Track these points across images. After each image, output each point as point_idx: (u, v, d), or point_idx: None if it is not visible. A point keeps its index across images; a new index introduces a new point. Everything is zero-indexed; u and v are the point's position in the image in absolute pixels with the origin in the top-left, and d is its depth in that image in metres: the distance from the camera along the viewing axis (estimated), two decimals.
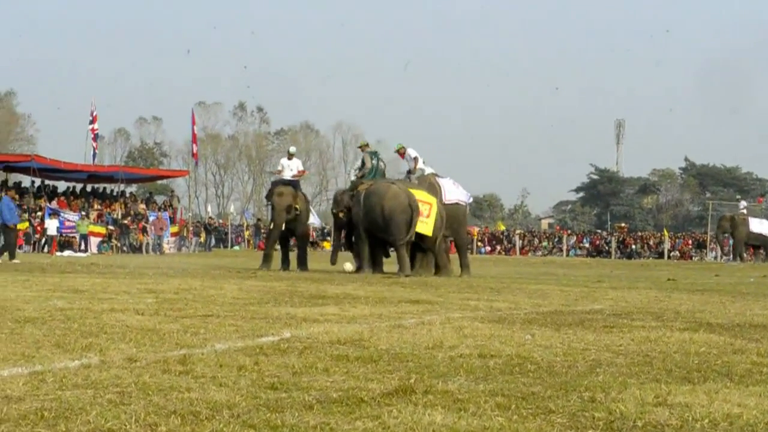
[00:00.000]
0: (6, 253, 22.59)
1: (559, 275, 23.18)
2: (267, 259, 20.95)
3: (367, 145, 21.85)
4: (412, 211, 18.57)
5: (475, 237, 64.77)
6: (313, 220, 23.72)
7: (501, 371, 5.31)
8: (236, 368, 5.10)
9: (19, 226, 37.35)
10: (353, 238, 20.01)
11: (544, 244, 64.78)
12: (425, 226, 18.91)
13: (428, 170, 20.55)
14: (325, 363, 5.39)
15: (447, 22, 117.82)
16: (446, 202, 19.60)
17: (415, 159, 20.29)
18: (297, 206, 20.89)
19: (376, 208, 18.86)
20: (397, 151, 20.90)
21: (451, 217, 19.64)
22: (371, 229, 19.14)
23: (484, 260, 38.25)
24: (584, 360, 5.89)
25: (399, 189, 19.06)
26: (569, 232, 70.80)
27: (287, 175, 21.60)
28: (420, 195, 18.98)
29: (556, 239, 65.33)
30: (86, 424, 3.63)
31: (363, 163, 20.69)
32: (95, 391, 4.30)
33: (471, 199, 21.04)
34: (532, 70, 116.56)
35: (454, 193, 20.15)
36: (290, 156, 22.21)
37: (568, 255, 59.20)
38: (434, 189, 19.63)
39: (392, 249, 19.67)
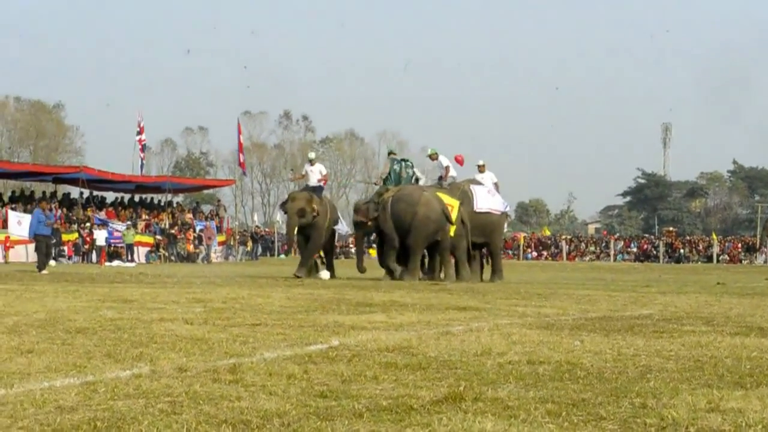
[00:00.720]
0: (50, 263, 22.78)
1: (607, 280, 23.04)
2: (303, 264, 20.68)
3: (393, 152, 22.23)
4: (446, 219, 19.04)
5: (522, 243, 64.58)
6: (340, 227, 23.66)
7: (551, 378, 5.29)
8: (285, 377, 5.11)
9: (67, 237, 37.95)
10: (383, 247, 19.98)
11: (591, 249, 64.47)
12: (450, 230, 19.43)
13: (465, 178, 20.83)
14: (374, 371, 5.39)
15: (486, 25, 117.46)
16: (477, 210, 19.92)
17: (447, 168, 20.48)
18: (314, 210, 20.41)
19: (406, 214, 19.02)
20: (429, 156, 21.12)
21: (483, 224, 20.03)
22: (399, 234, 19.32)
23: (530, 266, 38.13)
24: (634, 366, 5.85)
25: (431, 196, 19.32)
26: (616, 236, 70.39)
27: (312, 180, 21.42)
28: (444, 198, 19.39)
29: (603, 244, 64.98)
30: None
31: (398, 174, 20.62)
32: (147, 401, 4.33)
33: (508, 208, 21.32)
34: (578, 73, 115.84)
35: (487, 201, 20.33)
36: (312, 162, 21.92)
37: (615, 260, 58.85)
38: (466, 196, 19.91)
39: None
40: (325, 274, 19.97)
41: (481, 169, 21.37)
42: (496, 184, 21.07)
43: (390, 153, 22.26)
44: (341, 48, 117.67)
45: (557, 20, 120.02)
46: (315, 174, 21.51)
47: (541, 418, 4.06)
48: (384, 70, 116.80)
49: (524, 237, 66.85)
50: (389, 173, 20.75)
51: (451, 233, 19.25)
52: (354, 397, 4.52)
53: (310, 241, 20.84)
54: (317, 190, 21.32)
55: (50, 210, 26.60)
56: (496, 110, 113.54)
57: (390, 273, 19.26)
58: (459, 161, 21.72)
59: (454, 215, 19.14)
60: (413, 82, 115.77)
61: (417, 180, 20.92)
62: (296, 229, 20.50)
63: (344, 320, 8.77)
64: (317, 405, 4.31)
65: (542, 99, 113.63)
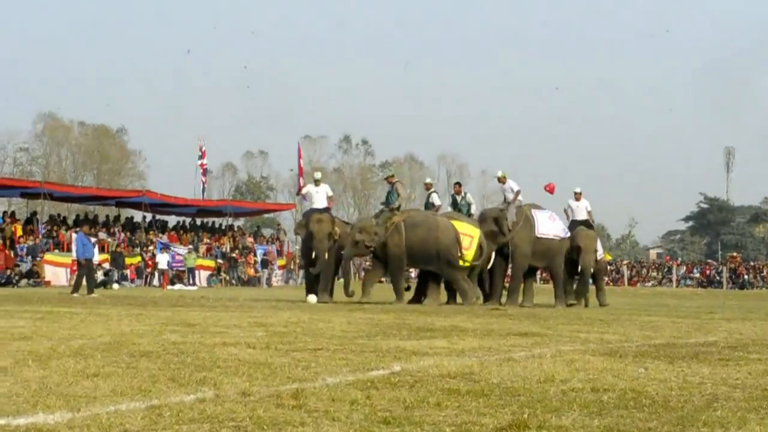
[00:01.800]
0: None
1: (670, 306, 22.78)
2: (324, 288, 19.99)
3: (393, 176, 21.79)
4: (459, 244, 19.31)
5: None
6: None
7: (615, 406, 5.24)
8: (348, 402, 5.12)
9: (130, 260, 38.37)
10: (391, 270, 19.93)
11: (653, 274, 63.79)
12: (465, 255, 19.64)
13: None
14: (437, 397, 5.38)
15: (544, 51, 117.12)
16: (539, 235, 20.05)
17: (517, 192, 20.35)
18: (337, 234, 20.13)
19: (427, 239, 19.25)
20: (498, 178, 20.91)
21: (544, 249, 20.19)
22: (414, 259, 19.61)
23: (591, 291, 37.72)
24: (700, 394, 5.78)
25: (446, 221, 19.62)
26: (679, 262, 69.61)
27: (318, 203, 20.71)
28: (463, 227, 19.61)
29: (665, 269, 64.29)
30: None
31: (397, 194, 20.44)
32: (211, 426, 4.35)
33: (569, 234, 21.09)
34: (639, 95, 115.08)
35: (549, 227, 20.34)
36: (317, 182, 21.10)
37: (678, 285, 58.16)
38: (528, 221, 20.03)
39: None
40: (312, 298, 19.20)
41: (577, 196, 21.41)
42: (589, 213, 21.26)
43: (391, 177, 21.74)
44: (402, 73, 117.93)
45: (616, 51, 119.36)
46: (321, 195, 20.82)
47: None
48: (444, 94, 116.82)
49: None
50: (387, 197, 20.62)
51: (468, 260, 19.46)
52: (417, 424, 4.51)
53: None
54: (329, 212, 20.91)
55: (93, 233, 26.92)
56: (555, 134, 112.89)
57: (400, 296, 19.43)
58: (550, 190, 21.94)
59: (474, 243, 19.41)
60: (474, 105, 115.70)
61: (433, 205, 21.00)
62: (326, 254, 19.98)
63: (406, 345, 8.75)
64: (380, 431, 4.31)
65: (603, 122, 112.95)
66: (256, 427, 4.35)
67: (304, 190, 21.55)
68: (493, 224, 19.91)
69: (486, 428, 4.41)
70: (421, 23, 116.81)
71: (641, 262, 70.91)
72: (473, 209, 21.56)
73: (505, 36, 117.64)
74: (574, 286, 21.18)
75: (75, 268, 34.05)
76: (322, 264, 19.99)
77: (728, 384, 6.31)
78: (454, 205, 21.61)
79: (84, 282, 22.73)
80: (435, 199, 21.19)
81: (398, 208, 20.22)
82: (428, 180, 22.56)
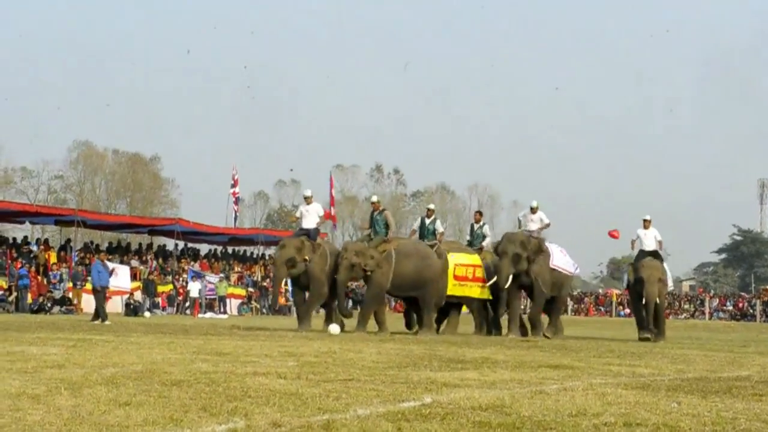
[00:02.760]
0: (103, 316, 23.09)
1: (703, 339, 22.61)
2: (301, 319, 19.96)
3: (379, 203, 20.69)
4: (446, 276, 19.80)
5: (614, 300, 63.79)
6: None
7: None
8: None
9: (162, 288, 38.55)
10: (368, 295, 19.77)
11: (686, 306, 63.40)
12: (470, 289, 20.22)
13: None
14: (468, 430, 5.37)
15: (570, 87, 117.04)
16: (552, 267, 20.33)
17: (547, 225, 20.56)
18: (306, 257, 19.32)
19: (418, 268, 19.30)
20: (532, 209, 20.64)
21: (555, 280, 20.52)
22: (401, 288, 19.60)
23: (623, 323, 37.55)
24: (734, 429, 5.74)
25: (430, 251, 19.78)
26: (711, 294, 69.12)
27: (308, 222, 19.90)
28: (465, 258, 20.35)
29: (698, 302, 63.89)
30: None
31: (386, 223, 19.83)
32: None
33: (578, 271, 21.54)
34: (667, 129, 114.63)
35: (561, 260, 20.64)
36: (308, 200, 20.19)
37: (710, 318, 57.76)
38: (545, 252, 20.27)
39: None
40: (335, 328, 18.24)
41: (646, 224, 20.69)
42: (659, 242, 20.59)
43: (375, 203, 20.61)
44: (435, 101, 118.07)
45: (655, 78, 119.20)
46: (311, 215, 19.96)
47: None
48: (477, 123, 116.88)
49: (616, 294, 66.01)
50: (373, 223, 19.90)
51: (477, 294, 20.32)
52: None
53: (309, 292, 19.97)
54: (311, 233, 19.82)
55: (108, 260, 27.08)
56: (585, 164, 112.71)
57: (363, 325, 19.37)
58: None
59: (481, 270, 20.28)
60: (504, 134, 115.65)
61: (434, 231, 20.73)
62: (283, 281, 20.12)
63: (436, 377, 8.74)
64: None
65: (632, 151, 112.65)
66: None
67: (297, 213, 20.69)
68: (519, 247, 19.84)
69: None
70: (455, 54, 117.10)
71: (674, 295, 70.46)
72: (486, 242, 21.50)
73: (538, 62, 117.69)
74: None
75: (107, 296, 34.44)
76: (276, 293, 20.68)
77: (762, 419, 6.25)
78: (471, 233, 21.73)
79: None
80: (438, 226, 20.97)
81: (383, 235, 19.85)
82: (431, 206, 22.00)
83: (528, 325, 20.79)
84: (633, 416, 6.14)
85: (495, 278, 20.03)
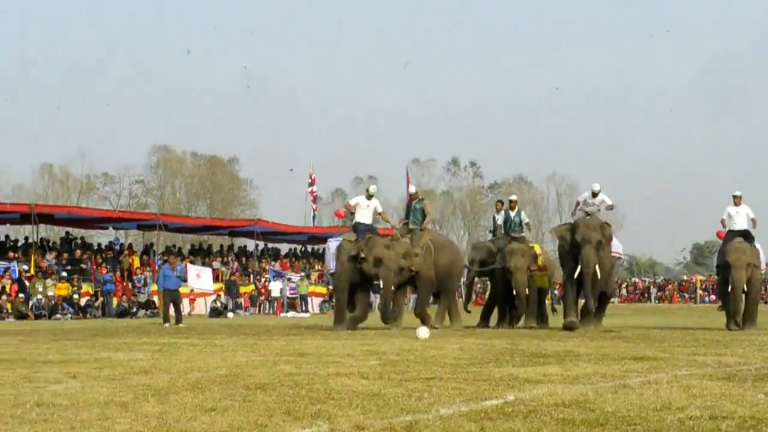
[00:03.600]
0: (165, 318, 23.53)
1: None
2: (341, 317, 18.99)
3: (417, 193, 20.74)
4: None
5: (698, 285, 62.95)
6: None
7: None
8: None
9: (244, 289, 38.92)
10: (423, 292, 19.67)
11: None
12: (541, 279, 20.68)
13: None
14: (551, 427, 5.35)
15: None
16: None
17: (612, 206, 19.36)
18: (411, 267, 18.83)
19: (453, 261, 20.01)
20: (594, 192, 19.02)
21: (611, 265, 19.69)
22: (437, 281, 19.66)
23: (708, 310, 37.03)
24: None
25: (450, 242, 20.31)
26: None
27: (363, 218, 18.98)
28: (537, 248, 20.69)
29: None
30: None
31: (425, 212, 19.81)
32: None
33: (621, 253, 20.70)
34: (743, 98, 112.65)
35: (615, 243, 19.73)
36: (369, 196, 19.19)
37: None
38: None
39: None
40: (423, 331, 15.15)
41: (737, 201, 19.29)
42: (753, 220, 19.14)
43: (413, 194, 20.57)
44: (510, 92, 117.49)
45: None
46: (369, 210, 19.06)
47: None
48: (554, 112, 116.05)
49: (700, 280, 65.15)
50: (410, 213, 19.88)
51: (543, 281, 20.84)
52: None
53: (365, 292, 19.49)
54: (374, 230, 19.26)
55: (177, 263, 27.46)
56: (662, 149, 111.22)
57: (425, 320, 18.92)
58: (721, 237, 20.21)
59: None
60: (581, 124, 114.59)
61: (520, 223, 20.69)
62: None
63: (519, 373, 8.71)
64: None
65: (707, 132, 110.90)
66: None
67: (352, 201, 19.78)
68: (600, 234, 18.49)
69: None
70: (527, 43, 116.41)
71: (766, 279, 69.25)
72: (525, 230, 20.98)
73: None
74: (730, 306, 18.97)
75: (193, 298, 34.89)
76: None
77: None
78: (506, 222, 20.63)
79: (173, 312, 23.49)
80: (524, 217, 20.90)
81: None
82: (513, 197, 21.75)
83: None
84: (719, 409, 6.07)
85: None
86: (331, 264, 19.48)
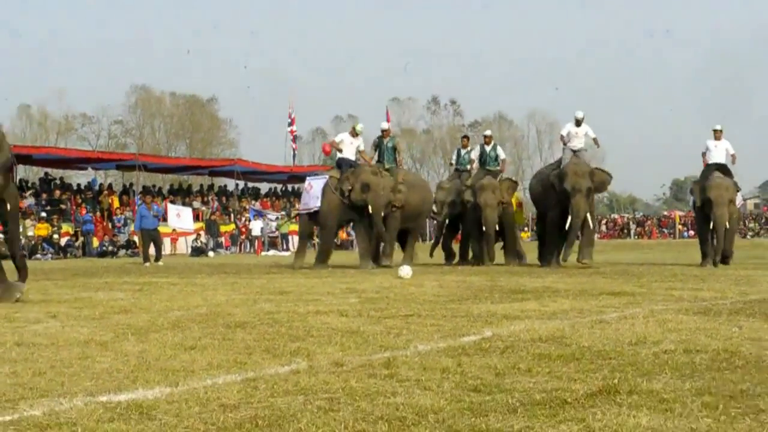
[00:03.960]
0: (145, 257, 23.63)
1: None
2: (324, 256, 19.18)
3: (389, 130, 20.07)
4: None
5: (677, 221, 63.32)
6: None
7: (708, 367, 5.20)
8: (439, 370, 5.16)
9: (224, 228, 38.93)
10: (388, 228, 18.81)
11: (751, 225, 62.72)
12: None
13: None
14: (528, 363, 5.40)
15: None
16: None
17: (596, 140, 18.91)
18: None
19: (423, 199, 19.83)
20: (578, 120, 18.73)
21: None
22: (406, 220, 19.38)
23: (686, 245, 37.30)
24: None
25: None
26: None
27: (348, 153, 19.03)
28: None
29: (763, 220, 63.17)
30: None
31: (398, 151, 19.73)
32: (305, 398, 4.44)
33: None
34: (729, 44, 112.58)
35: None
36: (356, 134, 19.31)
37: None
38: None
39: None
40: (406, 270, 14.66)
41: (717, 135, 19.01)
42: (732, 156, 18.88)
43: (385, 131, 19.84)
44: (486, 30, 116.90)
45: None
46: (353, 147, 19.13)
47: (698, 412, 4.01)
48: (534, 49, 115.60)
49: (680, 215, 65.51)
50: (380, 151, 19.52)
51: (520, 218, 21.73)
52: (508, 391, 4.54)
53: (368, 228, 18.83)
54: (346, 165, 18.99)
55: (153, 203, 27.35)
56: (646, 87, 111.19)
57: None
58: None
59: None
60: (562, 60, 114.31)
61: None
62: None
63: (497, 309, 8.78)
64: (471, 400, 4.35)
65: (702, 71, 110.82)
66: (348, 398, 4.42)
67: (338, 138, 19.58)
68: (590, 181, 18.13)
69: (576, 394, 4.41)
70: None
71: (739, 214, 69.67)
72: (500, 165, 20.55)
73: None
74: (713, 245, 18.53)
75: (174, 237, 34.88)
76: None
77: None
78: (482, 156, 20.49)
79: (153, 251, 23.61)
80: (501, 152, 20.79)
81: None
82: (488, 132, 21.59)
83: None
84: (693, 343, 6.14)
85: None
86: (311, 203, 19.02)
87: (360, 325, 7.49)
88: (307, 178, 20.27)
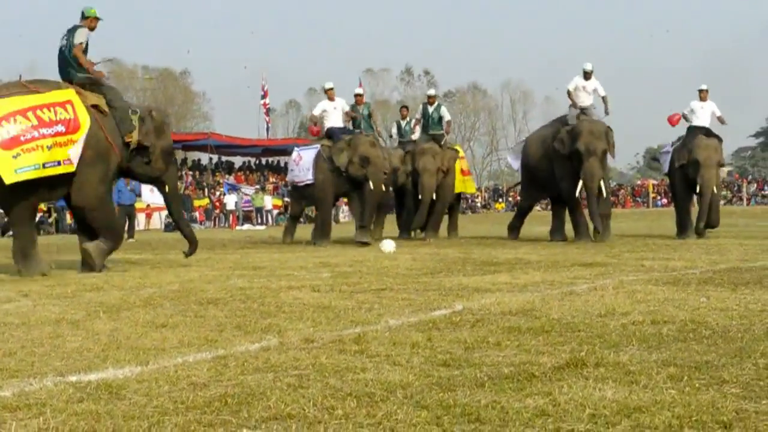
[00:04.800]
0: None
1: (740, 226, 22.60)
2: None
3: (362, 96, 19.16)
4: None
5: (651, 190, 63.56)
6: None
7: (674, 338, 5.26)
8: (409, 345, 5.19)
9: (198, 203, 38.86)
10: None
11: (723, 193, 63.00)
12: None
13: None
14: (497, 336, 5.44)
15: None
16: None
17: (605, 99, 17.47)
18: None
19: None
20: (586, 73, 17.34)
21: None
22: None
23: (660, 213, 37.54)
24: (761, 322, 5.78)
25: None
26: (749, 179, 68.68)
27: (335, 121, 17.65)
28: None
29: (735, 188, 63.52)
30: (267, 410, 3.77)
31: (374, 121, 18.89)
32: (275, 375, 4.46)
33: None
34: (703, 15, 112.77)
35: None
36: (330, 94, 17.79)
37: (748, 204, 57.51)
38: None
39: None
40: (388, 244, 14.59)
41: (702, 95, 17.71)
42: (720, 118, 17.56)
43: (359, 96, 18.92)
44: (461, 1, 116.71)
45: None
46: (339, 112, 17.71)
47: (663, 384, 4.06)
48: (505, 19, 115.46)
49: (653, 184, 65.75)
50: (358, 120, 18.32)
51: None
52: (476, 365, 4.58)
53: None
54: (337, 133, 17.56)
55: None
56: (618, 57, 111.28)
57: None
58: (674, 123, 18.17)
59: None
60: (536, 31, 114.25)
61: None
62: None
63: (468, 282, 8.82)
64: (440, 375, 4.38)
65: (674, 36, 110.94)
66: (318, 374, 4.45)
67: (316, 111, 18.14)
68: (606, 142, 16.49)
69: (544, 367, 4.46)
70: None
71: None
72: (445, 128, 19.41)
73: None
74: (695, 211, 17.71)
75: (149, 212, 34.77)
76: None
77: None
78: (425, 118, 19.34)
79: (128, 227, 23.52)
80: (445, 113, 19.57)
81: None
82: (431, 92, 20.38)
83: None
84: (661, 314, 6.20)
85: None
86: (302, 175, 17.94)
87: (332, 300, 7.51)
88: (295, 149, 19.38)
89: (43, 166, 10.58)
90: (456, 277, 9.40)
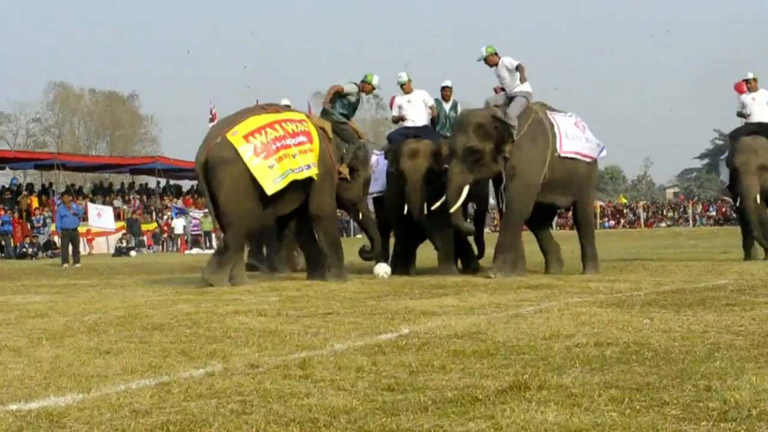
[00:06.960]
0: (64, 258, 23.51)
1: (685, 247, 22.84)
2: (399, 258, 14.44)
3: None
4: None
5: (598, 211, 64.08)
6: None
7: (617, 360, 5.30)
8: (354, 370, 5.19)
9: (146, 227, 38.57)
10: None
11: (669, 214, 63.74)
12: None
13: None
14: (442, 360, 5.45)
15: None
16: (562, 154, 12.95)
17: (520, 68, 12.80)
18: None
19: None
20: (488, 59, 12.97)
21: (568, 177, 13.12)
22: None
23: (607, 234, 37.88)
24: (702, 344, 5.84)
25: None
26: (695, 200, 69.51)
27: (416, 117, 14.09)
28: None
29: (681, 209, 64.24)
30: None
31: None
32: (218, 401, 4.44)
33: (604, 152, 13.97)
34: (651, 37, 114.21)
35: (575, 141, 13.31)
36: (406, 88, 14.27)
37: (694, 225, 58.17)
38: (543, 130, 12.90)
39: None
40: (383, 268, 13.60)
41: (751, 85, 14.91)
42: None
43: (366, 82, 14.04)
44: (405, 26, 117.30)
45: None
46: (419, 108, 14.15)
47: (604, 406, 4.09)
48: (447, 28, 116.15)
49: (600, 206, 66.26)
50: (344, 107, 13.78)
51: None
52: (420, 390, 4.58)
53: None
54: (431, 133, 14.13)
55: (73, 202, 27.24)
56: (570, 75, 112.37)
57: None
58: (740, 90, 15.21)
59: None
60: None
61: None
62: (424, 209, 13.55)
63: (415, 305, 8.82)
64: (384, 399, 4.39)
65: (620, 61, 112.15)
66: (262, 400, 4.43)
67: (394, 111, 14.42)
68: (480, 135, 12.36)
69: (487, 391, 4.47)
70: None
71: (657, 203, 70.82)
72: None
73: None
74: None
75: (90, 237, 34.44)
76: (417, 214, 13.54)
77: (731, 331, 6.37)
78: (439, 115, 14.46)
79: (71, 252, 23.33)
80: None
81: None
82: (447, 83, 14.69)
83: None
84: (604, 336, 6.24)
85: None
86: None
87: (278, 324, 7.49)
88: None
89: (292, 171, 11.91)
90: (403, 301, 9.40)
